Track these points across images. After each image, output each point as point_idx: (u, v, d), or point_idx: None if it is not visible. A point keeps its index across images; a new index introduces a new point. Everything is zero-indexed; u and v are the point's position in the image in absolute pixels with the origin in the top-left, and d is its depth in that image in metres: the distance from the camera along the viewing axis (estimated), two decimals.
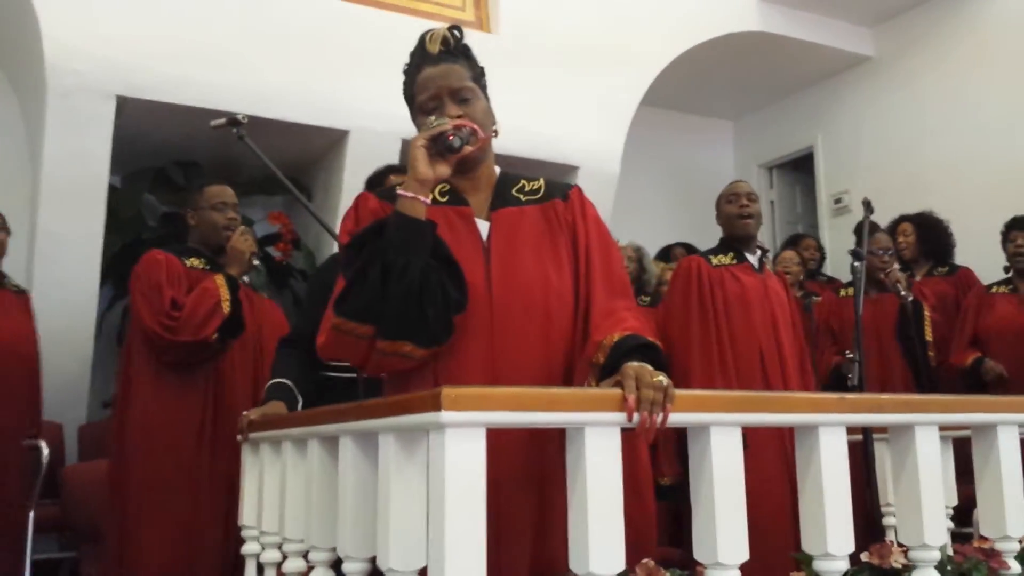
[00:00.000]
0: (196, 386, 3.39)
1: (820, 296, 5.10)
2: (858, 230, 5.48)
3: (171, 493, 3.28)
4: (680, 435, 1.61)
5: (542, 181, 1.99)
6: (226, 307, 3.30)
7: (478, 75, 1.93)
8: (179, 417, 3.35)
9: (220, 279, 3.35)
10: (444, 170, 1.73)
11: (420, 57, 1.91)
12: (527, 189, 1.95)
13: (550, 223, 1.91)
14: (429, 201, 1.72)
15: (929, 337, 4.60)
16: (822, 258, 6.27)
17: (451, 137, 1.71)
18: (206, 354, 3.35)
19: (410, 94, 1.94)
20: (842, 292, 5.06)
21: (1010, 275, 4.79)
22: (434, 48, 1.89)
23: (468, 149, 1.75)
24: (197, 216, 3.55)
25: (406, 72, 1.95)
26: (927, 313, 4.63)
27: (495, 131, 1.93)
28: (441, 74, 1.87)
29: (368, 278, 1.66)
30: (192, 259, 3.51)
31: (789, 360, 3.44)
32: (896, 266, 4.42)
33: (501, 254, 1.84)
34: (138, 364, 3.41)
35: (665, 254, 5.93)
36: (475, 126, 1.78)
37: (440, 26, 1.96)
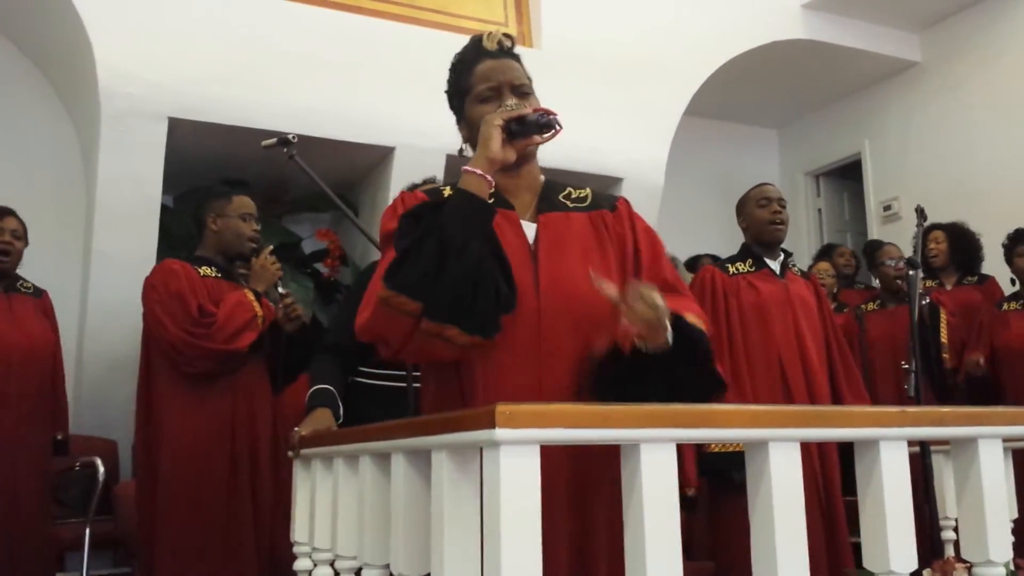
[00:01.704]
0: (220, 399, 3.39)
1: (846, 309, 5.07)
2: (868, 249, 5.45)
3: (203, 510, 3.30)
4: (701, 446, 1.59)
5: (589, 191, 1.96)
6: (260, 323, 3.33)
7: (530, 80, 1.92)
8: (210, 432, 3.35)
9: (251, 294, 3.37)
10: (512, 155, 1.69)
11: (476, 52, 1.91)
12: (574, 196, 1.92)
13: (598, 232, 1.88)
14: (494, 183, 1.68)
15: (944, 339, 4.52)
16: (858, 265, 6.19)
17: (552, 116, 1.67)
18: (231, 366, 3.36)
19: (464, 86, 1.91)
20: (862, 307, 5.04)
21: (1018, 289, 4.70)
22: (492, 45, 1.89)
23: (539, 138, 1.71)
24: (222, 223, 3.55)
25: (457, 68, 1.94)
26: (943, 316, 4.55)
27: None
28: (503, 67, 1.86)
29: (424, 252, 1.60)
30: (205, 267, 3.51)
31: (817, 370, 3.27)
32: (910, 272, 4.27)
33: (549, 258, 1.80)
34: (159, 380, 3.41)
35: (693, 265, 5.87)
36: (556, 113, 1.73)
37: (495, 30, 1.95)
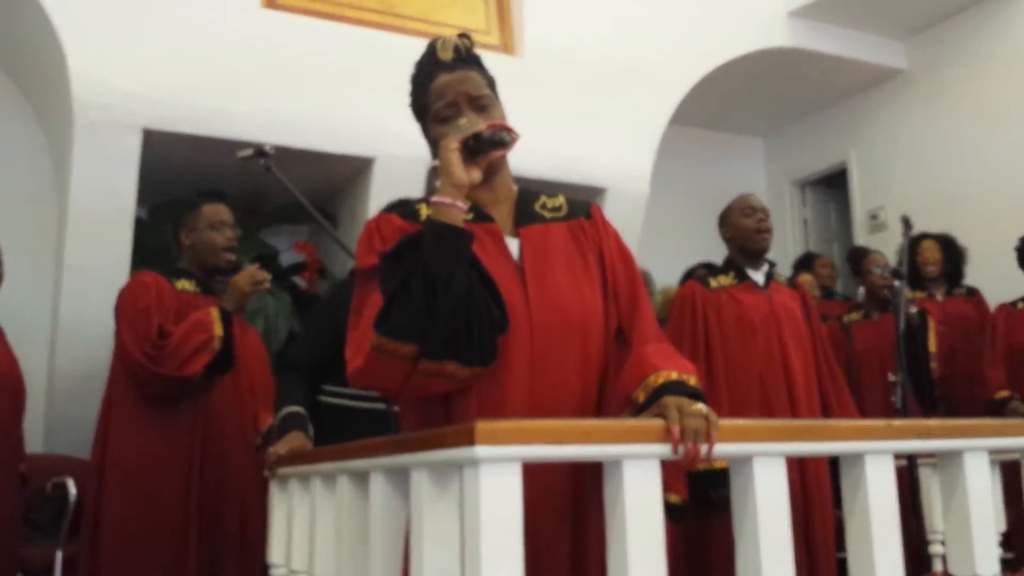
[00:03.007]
0: (183, 424, 3.25)
1: (829, 320, 5.05)
2: (852, 256, 5.45)
3: (152, 543, 3.14)
4: None
5: (562, 198, 1.93)
6: (217, 344, 3.16)
7: (491, 83, 1.88)
8: (164, 458, 3.20)
9: (215, 312, 3.21)
10: (477, 175, 1.65)
11: (431, 65, 1.86)
12: (550, 206, 1.89)
13: (578, 242, 1.85)
14: (466, 208, 1.64)
15: (933, 348, 4.51)
16: (838, 277, 6.18)
17: (502, 132, 1.64)
18: (189, 390, 3.21)
19: (422, 104, 1.87)
20: (845, 318, 5.03)
21: None
22: (447, 55, 1.84)
23: (498, 152, 1.68)
24: (193, 236, 3.45)
25: (415, 81, 1.89)
26: (932, 324, 4.55)
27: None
28: (458, 80, 1.81)
29: (411, 292, 1.55)
30: (183, 281, 3.41)
31: (800, 383, 3.21)
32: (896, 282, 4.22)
33: (536, 273, 1.77)
34: (118, 398, 3.28)
35: (689, 277, 5.84)
36: (510, 126, 1.70)
37: (449, 35, 1.90)
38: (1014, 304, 4.77)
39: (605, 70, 5.70)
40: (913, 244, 5.20)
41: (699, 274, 3.56)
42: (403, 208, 1.84)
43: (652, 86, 5.94)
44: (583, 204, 1.93)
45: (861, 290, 5.22)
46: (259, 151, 3.07)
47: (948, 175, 6.39)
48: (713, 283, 3.42)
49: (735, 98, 6.99)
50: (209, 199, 3.60)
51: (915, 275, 5.19)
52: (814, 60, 6.60)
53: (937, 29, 6.64)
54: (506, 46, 5.57)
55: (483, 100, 1.81)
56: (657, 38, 5.94)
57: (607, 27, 5.81)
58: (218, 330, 3.18)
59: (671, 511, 3.09)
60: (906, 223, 3.76)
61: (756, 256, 3.45)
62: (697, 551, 3.21)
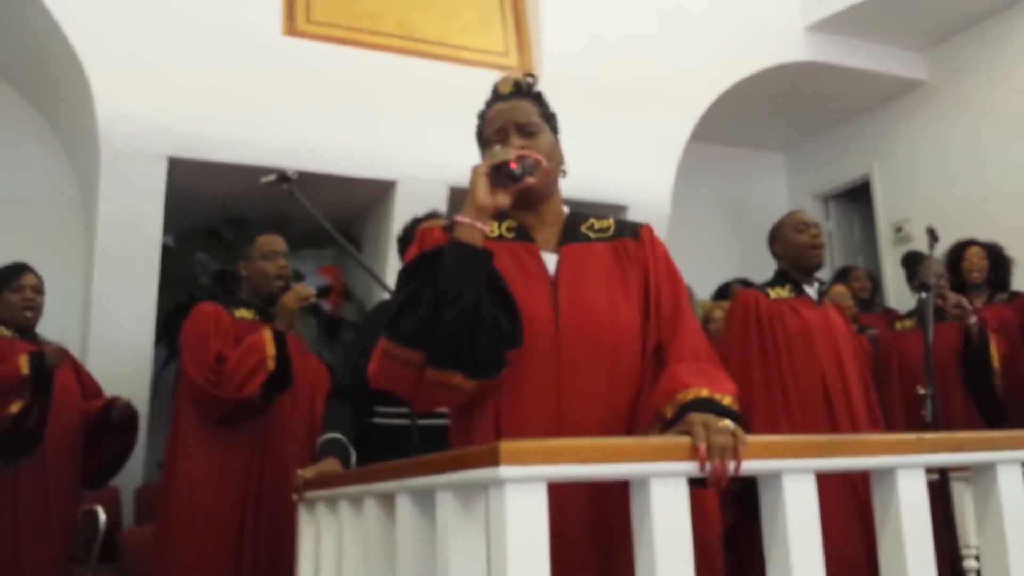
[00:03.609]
0: (243, 443, 3.32)
1: (876, 329, 4.96)
2: (907, 261, 5.37)
3: (215, 558, 3.22)
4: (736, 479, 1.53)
5: (612, 220, 1.97)
6: (271, 364, 3.25)
7: (548, 116, 1.96)
8: (225, 477, 3.28)
9: (267, 334, 3.30)
10: (504, 200, 1.70)
11: (492, 98, 1.96)
12: (596, 227, 1.94)
13: (620, 259, 1.88)
14: (488, 229, 1.69)
15: (996, 364, 4.43)
16: (874, 288, 6.11)
17: (513, 166, 1.69)
18: (249, 411, 3.29)
19: (479, 132, 1.97)
20: (897, 325, 4.91)
21: None
22: (506, 89, 1.95)
23: (530, 180, 1.72)
24: (249, 267, 3.56)
25: (480, 115, 1.98)
26: (992, 339, 4.46)
27: (563, 170, 1.93)
28: (508, 109, 1.90)
29: (420, 303, 1.64)
30: (242, 310, 3.50)
31: (856, 397, 3.23)
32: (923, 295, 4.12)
33: (569, 286, 1.81)
34: (185, 423, 3.38)
35: (724, 291, 5.81)
36: (539, 156, 1.75)
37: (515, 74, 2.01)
38: None
39: (624, 89, 5.71)
40: (959, 250, 5.14)
41: (738, 287, 3.53)
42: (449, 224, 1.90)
43: (671, 104, 5.94)
44: (632, 225, 1.97)
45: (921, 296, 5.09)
46: (282, 176, 3.09)
47: (972, 185, 6.34)
48: (772, 294, 3.39)
49: (755, 114, 6.98)
50: (260, 233, 3.65)
51: (959, 282, 5.12)
52: (833, 73, 6.58)
53: (957, 40, 6.60)
54: (524, 67, 5.59)
55: (530, 127, 1.88)
56: (675, 55, 5.95)
57: (625, 46, 5.83)
58: (270, 350, 3.26)
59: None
60: (931, 234, 3.72)
61: (810, 271, 3.43)
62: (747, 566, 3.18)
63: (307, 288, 3.38)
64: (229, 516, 3.26)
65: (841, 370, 3.25)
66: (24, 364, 3.61)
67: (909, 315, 5.02)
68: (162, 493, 3.45)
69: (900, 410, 4.41)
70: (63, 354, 3.84)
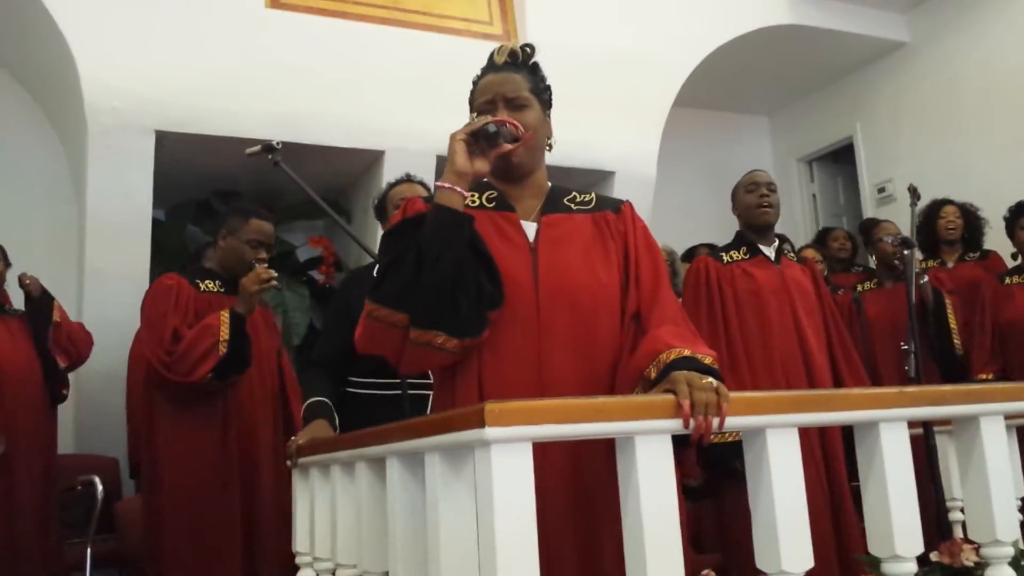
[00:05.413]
0: (213, 414, 3.33)
1: (842, 291, 5.03)
2: (864, 227, 5.42)
3: (199, 524, 3.26)
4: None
5: (593, 195, 2.00)
6: (223, 348, 3.21)
7: (540, 89, 1.97)
8: (199, 447, 3.30)
9: (225, 316, 3.26)
10: (483, 166, 1.74)
11: (486, 67, 1.97)
12: (578, 200, 1.97)
13: (600, 230, 1.92)
14: (467, 194, 1.73)
15: (953, 325, 4.49)
16: (854, 249, 6.14)
17: (505, 124, 1.72)
18: (201, 392, 3.28)
19: (471, 101, 1.97)
20: (859, 287, 5.00)
21: (1020, 263, 4.66)
22: (500, 59, 1.95)
23: (507, 146, 1.75)
24: (230, 241, 3.50)
25: (473, 82, 1.99)
26: (948, 300, 4.52)
27: (550, 144, 1.96)
28: (499, 81, 1.91)
29: (403, 265, 1.68)
30: (207, 282, 3.47)
31: (815, 355, 3.20)
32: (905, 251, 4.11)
33: (548, 252, 1.84)
34: (156, 395, 3.38)
35: (690, 255, 5.83)
36: (518, 124, 1.78)
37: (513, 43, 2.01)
38: (1002, 279, 4.72)
39: (607, 55, 5.70)
40: (935, 209, 5.20)
41: (704, 252, 3.55)
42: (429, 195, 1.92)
43: (655, 69, 5.93)
44: (613, 201, 2.01)
45: (873, 259, 5.20)
46: (267, 147, 3.08)
47: (953, 145, 6.35)
48: (725, 258, 3.41)
49: (738, 78, 6.96)
50: (256, 213, 3.59)
51: (931, 241, 5.18)
52: (815, 36, 6.57)
53: (938, 1, 6.59)
54: (508, 36, 5.57)
55: (518, 101, 1.89)
56: (658, 21, 5.94)
57: (608, 12, 5.81)
58: (224, 334, 3.23)
59: (688, 492, 3.08)
60: (913, 192, 3.75)
61: (762, 231, 3.43)
62: (720, 524, 3.23)
63: (268, 271, 3.32)
64: (209, 482, 3.29)
65: (798, 329, 3.22)
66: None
67: (868, 277, 5.11)
68: (146, 465, 3.47)
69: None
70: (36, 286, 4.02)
